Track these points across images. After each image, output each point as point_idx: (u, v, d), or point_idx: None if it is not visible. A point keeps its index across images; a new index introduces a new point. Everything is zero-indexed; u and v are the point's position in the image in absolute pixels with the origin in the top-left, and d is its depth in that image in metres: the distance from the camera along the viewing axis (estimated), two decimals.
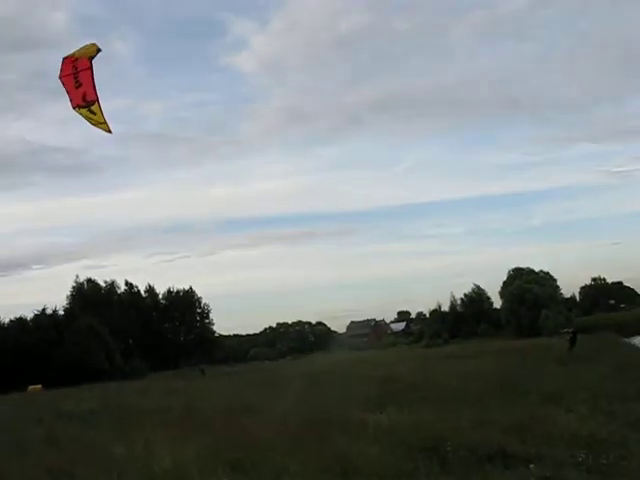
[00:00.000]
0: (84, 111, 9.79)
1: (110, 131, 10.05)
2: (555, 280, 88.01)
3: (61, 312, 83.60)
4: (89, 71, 9.54)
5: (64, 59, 9.69)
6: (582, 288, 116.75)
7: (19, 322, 78.25)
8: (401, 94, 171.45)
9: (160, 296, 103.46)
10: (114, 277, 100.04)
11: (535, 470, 9.35)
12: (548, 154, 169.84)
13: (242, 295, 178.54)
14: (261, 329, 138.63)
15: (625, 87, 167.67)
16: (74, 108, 9.85)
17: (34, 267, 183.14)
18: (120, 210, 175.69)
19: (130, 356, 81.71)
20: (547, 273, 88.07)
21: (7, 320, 79.27)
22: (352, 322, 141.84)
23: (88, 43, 9.58)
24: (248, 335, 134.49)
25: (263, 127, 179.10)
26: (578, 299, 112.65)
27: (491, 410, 14.59)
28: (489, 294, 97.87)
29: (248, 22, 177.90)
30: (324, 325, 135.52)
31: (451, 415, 14.22)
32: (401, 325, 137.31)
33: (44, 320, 78.01)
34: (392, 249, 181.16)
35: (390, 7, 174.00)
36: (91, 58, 9.48)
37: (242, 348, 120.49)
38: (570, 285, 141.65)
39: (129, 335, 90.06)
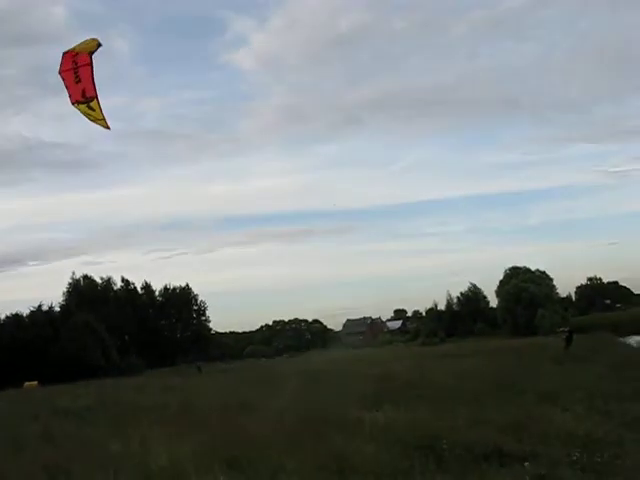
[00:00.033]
0: (83, 107, 9.80)
1: (108, 127, 10.06)
2: (551, 279, 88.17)
3: (57, 308, 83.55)
4: (89, 67, 9.55)
5: (64, 54, 9.69)
6: (578, 288, 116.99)
7: (15, 318, 78.15)
8: (400, 93, 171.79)
9: (157, 293, 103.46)
10: (111, 273, 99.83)
11: (530, 468, 9.39)
12: (547, 154, 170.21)
13: (239, 292, 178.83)
14: (258, 327, 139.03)
15: (624, 87, 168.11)
16: (73, 104, 9.86)
17: (30, 263, 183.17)
18: (118, 207, 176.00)
19: (126, 353, 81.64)
20: (543, 272, 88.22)
21: (3, 316, 79.25)
22: (348, 320, 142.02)
23: (88, 38, 9.59)
24: (244, 332, 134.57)
25: (262, 125, 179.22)
26: (574, 299, 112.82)
27: (487, 409, 14.63)
28: (485, 293, 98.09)
29: (247, 20, 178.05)
30: (320, 323, 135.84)
31: (447, 413, 14.26)
32: (397, 323, 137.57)
33: (40, 316, 77.92)
34: (389, 247, 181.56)
35: (390, 6, 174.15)
36: (91, 53, 9.49)
37: (238, 345, 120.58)
38: (566, 285, 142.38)
39: (125, 332, 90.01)
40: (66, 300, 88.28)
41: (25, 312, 79.48)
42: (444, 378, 23.37)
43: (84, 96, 9.70)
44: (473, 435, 11.50)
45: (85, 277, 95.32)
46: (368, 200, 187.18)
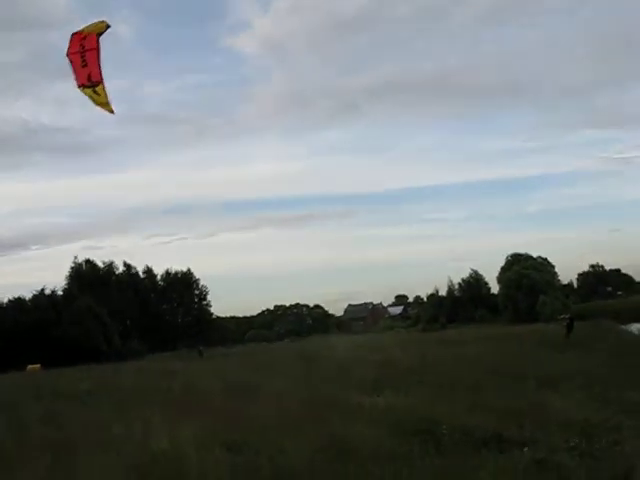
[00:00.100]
0: (88, 91, 9.83)
1: (113, 112, 10.11)
2: (553, 266, 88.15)
3: (60, 292, 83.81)
4: (96, 51, 9.57)
5: (73, 35, 9.69)
6: (580, 275, 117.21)
7: (18, 302, 78.37)
8: (402, 79, 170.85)
9: (158, 277, 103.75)
10: (113, 258, 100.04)
11: (528, 454, 9.47)
12: (549, 140, 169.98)
13: (240, 277, 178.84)
14: (259, 311, 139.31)
15: (627, 73, 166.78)
16: (79, 87, 9.87)
17: (33, 247, 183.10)
18: (119, 191, 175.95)
19: (128, 337, 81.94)
20: (545, 259, 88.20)
21: (6, 300, 79.47)
22: (350, 305, 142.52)
23: (97, 20, 9.61)
24: (246, 317, 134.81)
25: (263, 110, 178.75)
26: (576, 286, 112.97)
27: (487, 395, 14.71)
28: (487, 279, 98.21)
29: (250, 4, 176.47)
30: (322, 308, 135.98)
31: (447, 399, 14.35)
32: (398, 309, 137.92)
33: (43, 300, 78.12)
34: (390, 233, 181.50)
35: None
36: (99, 34, 9.49)
37: (240, 330, 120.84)
38: (568, 271, 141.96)
39: (127, 316, 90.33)
40: (68, 284, 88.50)
41: (28, 296, 79.79)
42: (444, 364, 23.46)
43: (90, 80, 9.72)
44: (472, 420, 11.58)
45: (87, 261, 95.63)
46: (369, 185, 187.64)
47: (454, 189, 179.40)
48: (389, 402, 14.53)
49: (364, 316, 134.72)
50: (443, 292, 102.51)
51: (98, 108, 10.07)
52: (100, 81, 9.70)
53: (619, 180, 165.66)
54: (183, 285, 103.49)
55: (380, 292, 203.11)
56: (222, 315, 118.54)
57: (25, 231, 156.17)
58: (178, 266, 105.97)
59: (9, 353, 61.34)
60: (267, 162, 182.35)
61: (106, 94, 9.81)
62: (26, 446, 12.67)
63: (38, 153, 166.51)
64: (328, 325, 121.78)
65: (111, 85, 10.00)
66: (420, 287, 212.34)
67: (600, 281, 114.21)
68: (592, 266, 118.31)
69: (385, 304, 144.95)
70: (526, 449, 9.75)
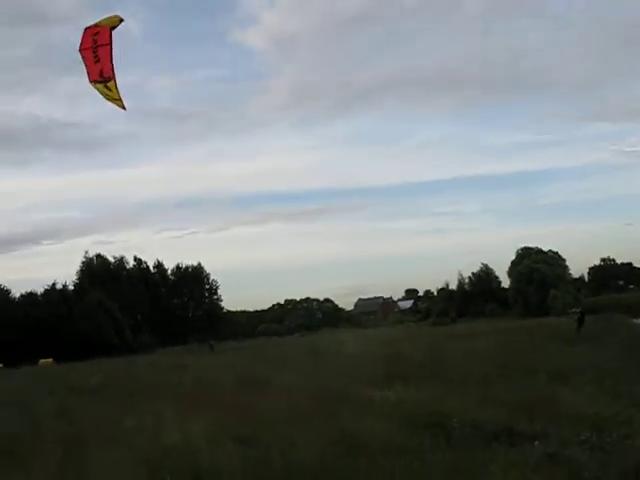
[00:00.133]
0: (100, 86, 9.89)
1: (124, 108, 10.18)
2: (564, 260, 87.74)
3: (71, 287, 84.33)
4: (108, 47, 9.63)
5: (85, 30, 9.75)
6: (591, 268, 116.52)
7: (29, 297, 78.95)
8: (412, 71, 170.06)
9: (169, 272, 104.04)
10: (123, 253, 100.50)
11: (539, 447, 9.46)
12: (561, 133, 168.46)
13: (251, 271, 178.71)
14: (269, 305, 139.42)
15: None
16: (90, 82, 9.94)
17: (44, 242, 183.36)
18: (130, 186, 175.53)
19: (139, 331, 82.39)
20: (556, 253, 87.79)
21: (18, 295, 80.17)
22: (360, 299, 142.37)
23: (111, 15, 9.67)
24: (256, 311, 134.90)
25: (273, 103, 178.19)
26: (587, 279, 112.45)
27: (497, 389, 14.71)
28: (497, 273, 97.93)
29: None
30: (332, 302, 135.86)
31: (458, 393, 14.34)
32: (409, 303, 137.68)
33: (54, 295, 78.66)
34: (400, 227, 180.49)
35: None
36: (113, 28, 9.55)
37: (250, 324, 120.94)
38: (579, 265, 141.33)
39: (138, 311, 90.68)
40: (79, 279, 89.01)
41: (39, 291, 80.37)
42: (455, 358, 23.44)
43: (102, 76, 9.78)
44: (483, 414, 11.58)
45: (98, 256, 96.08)
46: (379, 179, 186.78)
47: (465, 183, 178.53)
48: (400, 396, 14.55)
49: (374, 310, 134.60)
50: (453, 286, 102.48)
51: (110, 104, 10.16)
52: (112, 77, 9.76)
53: (631, 173, 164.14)
54: (194, 279, 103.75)
55: (390, 286, 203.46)
56: (233, 309, 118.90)
57: (36, 226, 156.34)
58: (189, 260, 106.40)
59: (21, 347, 61.80)
60: (278, 156, 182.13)
61: (118, 90, 9.87)
62: (38, 440, 12.78)
63: (49, 148, 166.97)
64: (338, 319, 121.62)
65: (120, 80, 10.06)
66: (430, 281, 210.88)
67: (611, 275, 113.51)
68: (603, 260, 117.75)
69: (395, 298, 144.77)
70: (537, 443, 9.75)
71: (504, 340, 32.09)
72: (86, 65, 9.87)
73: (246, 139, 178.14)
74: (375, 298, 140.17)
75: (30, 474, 9.97)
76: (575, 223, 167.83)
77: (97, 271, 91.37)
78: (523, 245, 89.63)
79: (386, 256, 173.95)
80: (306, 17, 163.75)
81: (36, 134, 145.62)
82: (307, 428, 11.17)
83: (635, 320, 47.84)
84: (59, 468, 10.13)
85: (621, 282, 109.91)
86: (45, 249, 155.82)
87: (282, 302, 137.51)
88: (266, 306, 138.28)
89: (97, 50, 9.67)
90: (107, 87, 9.85)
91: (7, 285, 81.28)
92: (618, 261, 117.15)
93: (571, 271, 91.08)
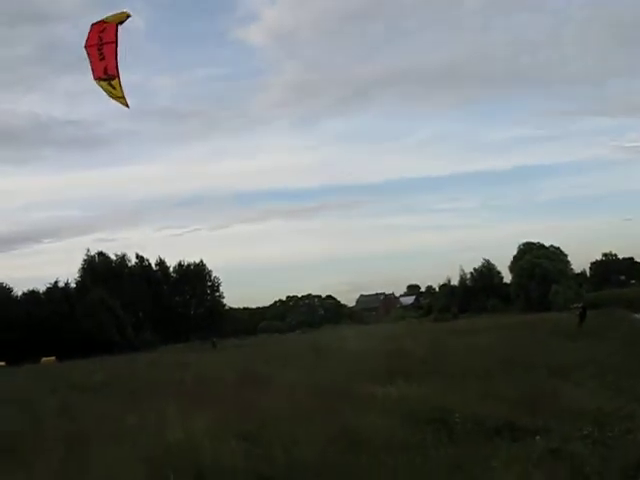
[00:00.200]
0: (104, 84, 9.92)
1: (128, 106, 10.20)
2: (565, 255, 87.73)
3: (73, 285, 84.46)
4: (113, 45, 9.65)
5: (92, 26, 9.76)
6: (593, 264, 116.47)
7: (32, 295, 79.13)
8: (412, 67, 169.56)
9: (171, 269, 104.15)
10: (125, 250, 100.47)
11: (541, 442, 9.47)
12: (560, 128, 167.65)
13: (252, 268, 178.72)
14: (271, 302, 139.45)
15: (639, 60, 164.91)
16: (95, 79, 9.95)
17: (46, 240, 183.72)
18: (131, 184, 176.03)
19: (141, 329, 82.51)
20: (557, 248, 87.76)
21: (20, 293, 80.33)
22: (362, 296, 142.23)
23: (119, 11, 9.68)
24: (258, 308, 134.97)
25: (273, 101, 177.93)
26: (589, 274, 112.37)
27: (499, 384, 14.70)
28: (499, 269, 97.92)
29: None
30: (334, 299, 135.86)
31: (459, 388, 14.35)
32: (410, 299, 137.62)
33: (56, 293, 78.80)
34: (402, 223, 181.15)
35: None
36: (120, 23, 9.56)
37: (252, 321, 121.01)
38: (581, 260, 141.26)
39: (140, 308, 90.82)
40: (81, 277, 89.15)
41: (41, 289, 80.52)
42: (457, 353, 23.44)
43: (106, 73, 9.79)
44: (485, 409, 11.58)
45: (100, 254, 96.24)
46: (380, 175, 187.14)
47: (465, 178, 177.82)
48: (402, 392, 14.54)
49: (376, 306, 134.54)
50: (455, 282, 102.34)
51: (113, 101, 10.18)
52: (116, 75, 9.77)
53: (631, 168, 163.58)
54: (196, 277, 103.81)
55: (392, 282, 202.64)
56: (235, 306, 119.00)
57: (38, 225, 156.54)
58: (190, 258, 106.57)
59: (23, 346, 61.90)
60: (278, 153, 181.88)
61: (121, 88, 9.89)
62: (40, 438, 12.79)
63: (49, 147, 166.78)
64: (340, 316, 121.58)
65: (123, 78, 10.06)
66: (432, 277, 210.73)
67: (613, 270, 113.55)
68: (605, 255, 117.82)
69: (397, 294, 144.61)
70: (539, 438, 9.75)
71: (506, 335, 32.07)
72: (91, 62, 9.88)
73: (246, 137, 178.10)
74: (377, 294, 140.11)
75: (32, 472, 9.97)
76: (576, 218, 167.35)
77: (99, 269, 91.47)
78: (524, 240, 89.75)
79: (387, 252, 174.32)
80: (306, 14, 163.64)
81: (36, 132, 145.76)
82: (309, 425, 11.17)
83: (637, 315, 47.79)
84: (61, 466, 10.14)
85: (623, 277, 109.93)
86: (46, 247, 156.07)
87: (284, 299, 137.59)
88: (268, 303, 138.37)
89: (102, 47, 9.69)
90: (111, 85, 9.87)
91: (9, 283, 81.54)
92: (620, 256, 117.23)
93: (573, 266, 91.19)
